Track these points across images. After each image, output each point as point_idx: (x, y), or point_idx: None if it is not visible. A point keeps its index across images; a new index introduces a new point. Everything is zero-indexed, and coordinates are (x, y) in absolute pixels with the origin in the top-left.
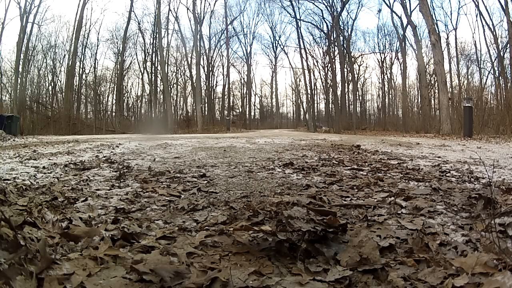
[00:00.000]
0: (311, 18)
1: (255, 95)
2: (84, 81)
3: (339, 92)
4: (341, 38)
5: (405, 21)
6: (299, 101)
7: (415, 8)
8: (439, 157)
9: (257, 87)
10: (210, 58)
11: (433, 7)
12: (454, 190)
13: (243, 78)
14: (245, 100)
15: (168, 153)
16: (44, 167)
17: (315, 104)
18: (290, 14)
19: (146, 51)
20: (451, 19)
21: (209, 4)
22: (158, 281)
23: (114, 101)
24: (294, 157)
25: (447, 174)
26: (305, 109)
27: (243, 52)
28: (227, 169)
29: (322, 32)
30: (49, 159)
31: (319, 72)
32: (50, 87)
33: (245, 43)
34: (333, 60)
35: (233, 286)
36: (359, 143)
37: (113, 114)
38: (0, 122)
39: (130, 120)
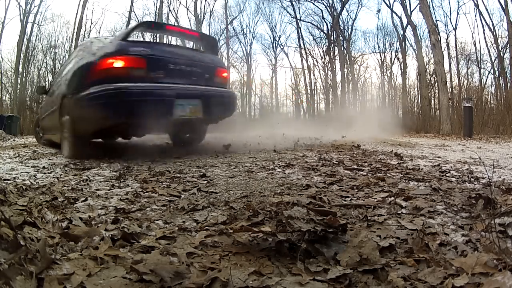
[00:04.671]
0: (311, 18)
1: (255, 95)
2: None
3: (339, 92)
4: (341, 38)
5: (405, 21)
6: (299, 101)
7: (415, 8)
8: (439, 157)
9: (257, 87)
10: None
11: (433, 7)
12: (454, 190)
13: (243, 78)
14: (245, 100)
15: (167, 153)
16: (44, 167)
17: (315, 104)
18: (290, 14)
19: None
20: (450, 19)
21: (209, 4)
22: (158, 281)
23: None
24: (294, 157)
25: (447, 174)
26: (305, 109)
27: (243, 52)
28: (227, 169)
29: (322, 32)
30: (49, 159)
31: (319, 72)
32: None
33: (245, 43)
34: (333, 60)
35: (233, 286)
36: (359, 143)
37: None
38: (0, 122)
39: None
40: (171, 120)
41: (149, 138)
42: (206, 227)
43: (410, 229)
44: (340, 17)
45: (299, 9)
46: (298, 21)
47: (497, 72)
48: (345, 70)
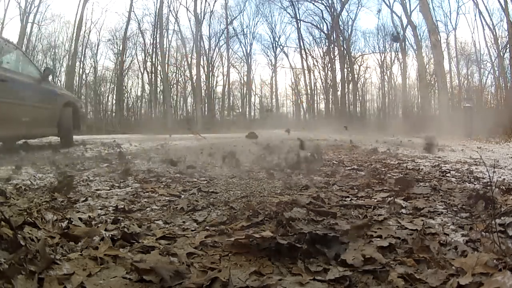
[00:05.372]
0: (311, 18)
1: (255, 95)
2: (84, 81)
3: (339, 93)
4: (341, 38)
5: (405, 21)
6: (299, 102)
7: (415, 8)
8: (439, 157)
9: (257, 87)
10: (210, 58)
11: (433, 7)
12: (454, 190)
13: (243, 78)
14: (245, 100)
15: (167, 153)
16: (43, 167)
17: (315, 104)
18: (290, 15)
19: (146, 51)
20: (450, 19)
21: (209, 5)
22: (158, 281)
23: (114, 101)
24: (294, 158)
25: (447, 174)
26: (305, 110)
27: (243, 52)
28: (227, 169)
29: (322, 32)
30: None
31: (319, 72)
32: None
33: (245, 43)
34: (333, 60)
35: (233, 286)
36: (359, 143)
37: (113, 114)
38: None
39: (130, 120)
40: None
41: None
42: (206, 227)
43: (410, 229)
44: (340, 17)
45: (298, 10)
46: (298, 21)
47: (497, 72)
48: (345, 70)
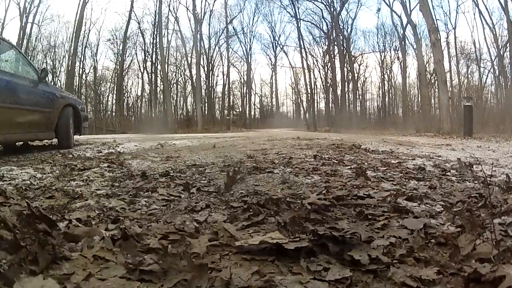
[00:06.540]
0: (311, 17)
1: (255, 95)
2: (84, 81)
3: (339, 92)
4: (341, 37)
5: (405, 20)
6: (299, 101)
7: (415, 7)
8: (439, 156)
9: (257, 86)
10: (210, 57)
11: (432, 6)
12: (455, 189)
13: (243, 78)
14: (245, 100)
15: (168, 153)
16: (43, 167)
17: (315, 104)
18: (290, 14)
19: (146, 50)
20: (450, 18)
21: (209, 4)
22: (158, 281)
23: (114, 101)
24: (294, 157)
25: (447, 173)
26: (305, 109)
27: (242, 51)
28: (227, 168)
29: (321, 32)
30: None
31: (319, 72)
32: None
33: (245, 42)
34: (333, 60)
35: (235, 285)
36: (359, 142)
37: (113, 114)
38: None
39: (130, 120)
40: None
41: None
42: (206, 227)
43: (410, 228)
44: (340, 16)
45: (298, 9)
46: (298, 20)
47: (497, 71)
48: (345, 69)
